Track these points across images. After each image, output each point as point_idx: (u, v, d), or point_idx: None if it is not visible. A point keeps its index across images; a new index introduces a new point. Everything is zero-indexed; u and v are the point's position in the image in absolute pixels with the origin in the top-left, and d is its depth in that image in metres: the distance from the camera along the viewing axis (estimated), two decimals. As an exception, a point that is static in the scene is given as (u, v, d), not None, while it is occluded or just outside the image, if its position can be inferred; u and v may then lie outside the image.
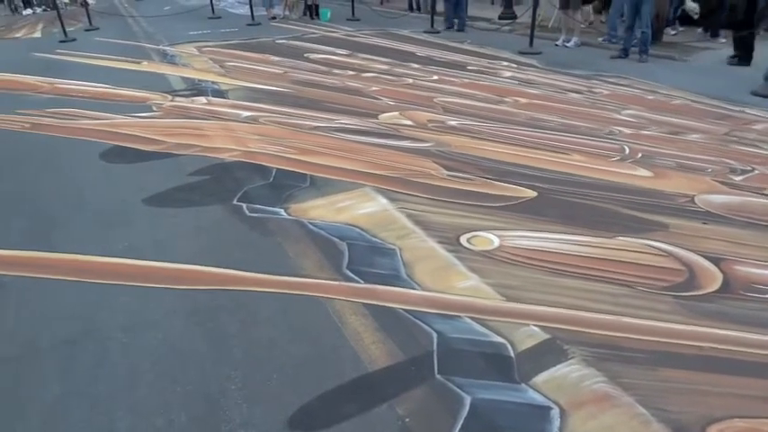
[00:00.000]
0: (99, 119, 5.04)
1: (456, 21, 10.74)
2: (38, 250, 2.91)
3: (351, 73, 6.99)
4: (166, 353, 2.13)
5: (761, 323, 2.28)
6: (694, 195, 3.47)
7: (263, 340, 2.19)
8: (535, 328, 2.23)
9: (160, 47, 9.05)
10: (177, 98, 5.77)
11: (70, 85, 6.42)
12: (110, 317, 2.35)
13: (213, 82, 6.49)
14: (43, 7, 16.03)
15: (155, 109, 5.35)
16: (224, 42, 9.39)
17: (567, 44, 8.87)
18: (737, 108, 5.46)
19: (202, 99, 5.72)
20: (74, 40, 9.99)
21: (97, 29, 11.32)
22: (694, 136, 4.67)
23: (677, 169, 3.92)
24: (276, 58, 7.92)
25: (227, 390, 1.94)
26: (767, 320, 2.30)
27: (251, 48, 8.83)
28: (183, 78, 6.74)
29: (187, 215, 3.26)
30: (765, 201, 3.46)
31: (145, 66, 7.59)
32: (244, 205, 3.34)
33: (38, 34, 11.56)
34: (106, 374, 2.04)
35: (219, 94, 5.96)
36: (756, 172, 3.89)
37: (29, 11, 15.66)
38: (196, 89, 6.17)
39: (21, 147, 4.50)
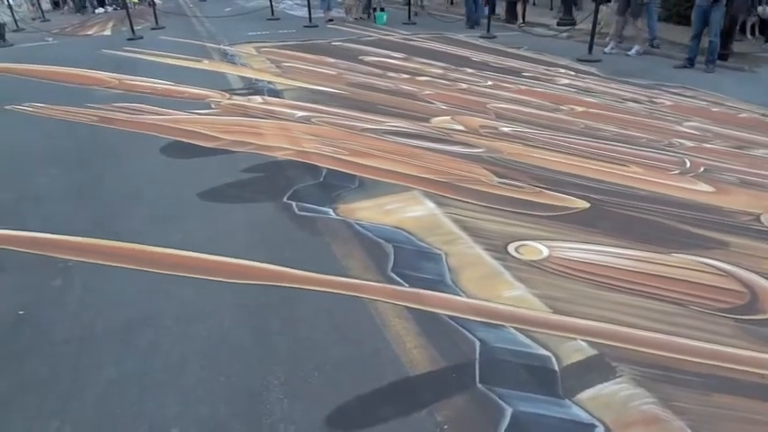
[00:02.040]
0: (161, 114, 5.25)
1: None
2: (101, 238, 3.06)
3: (405, 76, 7.00)
4: (215, 345, 2.20)
5: (829, 353, 2.14)
6: (760, 214, 3.29)
7: (306, 338, 2.23)
8: (582, 343, 2.17)
9: (221, 46, 9.35)
10: (235, 96, 5.95)
11: (136, 81, 6.72)
12: (164, 306, 2.44)
13: (269, 82, 6.65)
14: (114, 6, 16.85)
15: (213, 106, 5.53)
16: (281, 43, 9.60)
17: (629, 53, 8.58)
18: (812, 123, 5.15)
19: (258, 98, 5.86)
20: (141, 38, 10.44)
21: (163, 28, 11.80)
22: (762, 151, 4.43)
23: (742, 185, 3.73)
24: (331, 60, 8.03)
25: (270, 384, 1.98)
26: (836, 351, 2.16)
27: (307, 49, 8.98)
28: (241, 77, 6.94)
29: (239, 211, 3.36)
30: (839, 223, 3.25)
31: (206, 64, 7.85)
32: (293, 203, 3.41)
33: (108, 32, 12.15)
34: (158, 361, 2.12)
35: (275, 93, 6.09)
36: (830, 192, 3.65)
37: (101, 9, 16.49)
38: (253, 88, 6.34)
39: (89, 139, 4.74)
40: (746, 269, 2.70)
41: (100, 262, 2.82)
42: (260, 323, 2.32)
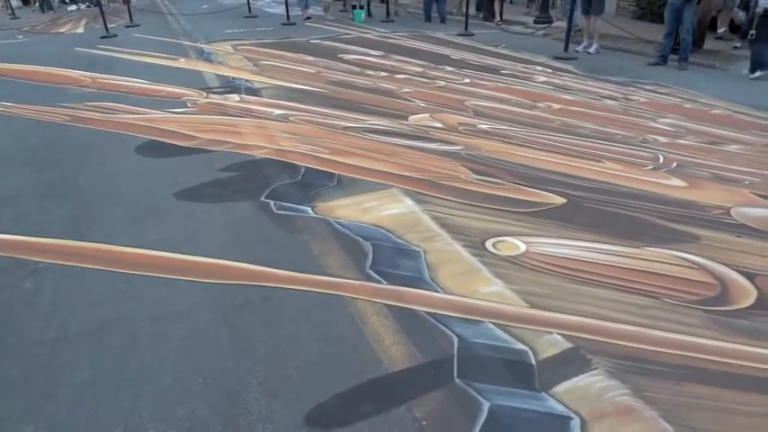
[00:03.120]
0: (137, 113, 5.17)
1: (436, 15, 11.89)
2: (75, 239, 3.01)
3: (384, 74, 7.00)
4: (191, 345, 2.18)
5: (796, 342, 2.20)
6: (730, 207, 3.37)
7: (284, 337, 2.22)
8: (558, 337, 2.20)
9: (197, 44, 9.24)
10: (212, 95, 5.89)
11: (110, 79, 6.61)
12: (139, 307, 2.41)
13: (247, 80, 6.59)
14: (87, 3, 16.53)
15: (190, 105, 5.47)
16: (259, 41, 9.52)
17: (589, 50, 8.70)
18: (781, 119, 5.28)
19: (236, 97, 5.81)
20: (115, 36, 10.27)
21: (138, 25, 11.61)
22: (733, 147, 4.53)
23: (713, 180, 3.82)
24: (310, 58, 8.00)
25: (248, 384, 1.97)
26: (803, 340, 2.22)
27: (285, 47, 8.93)
28: (218, 76, 6.87)
29: (217, 210, 3.33)
30: (806, 216, 3.34)
31: (182, 63, 7.76)
32: (271, 202, 3.39)
33: (81, 30, 11.92)
34: (133, 362, 2.09)
35: (253, 92, 6.05)
36: (798, 186, 3.75)
37: (74, 7, 16.17)
38: (230, 87, 6.28)
39: (62, 139, 4.65)
40: (718, 262, 2.76)
41: (73, 264, 2.77)
42: (237, 323, 2.30)
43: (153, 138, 4.53)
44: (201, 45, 9.17)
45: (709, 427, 1.78)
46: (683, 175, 3.87)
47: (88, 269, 2.72)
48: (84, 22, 13.30)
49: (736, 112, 5.56)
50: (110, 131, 4.73)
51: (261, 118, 5.05)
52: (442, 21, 11.93)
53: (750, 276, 2.64)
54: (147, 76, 6.67)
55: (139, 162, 4.10)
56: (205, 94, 5.90)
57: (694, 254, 2.82)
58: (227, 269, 2.69)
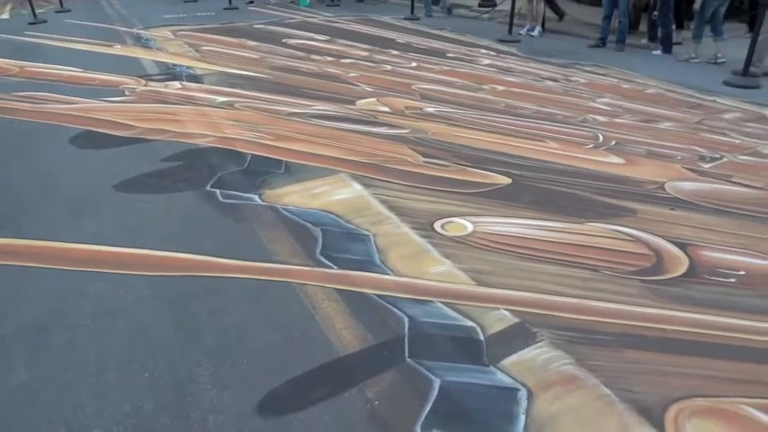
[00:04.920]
0: (70, 103, 4.92)
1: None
2: (6, 237, 2.85)
3: (329, 59, 6.92)
4: (135, 339, 2.12)
5: (724, 306, 2.34)
6: (664, 182, 3.53)
7: (233, 326, 2.19)
8: (505, 312, 2.26)
9: (134, 30, 8.86)
10: (151, 83, 5.67)
11: (40, 68, 6.26)
12: (78, 303, 2.32)
13: (188, 66, 6.38)
14: (12, -12, 15.54)
15: (127, 93, 5.25)
16: (199, 26, 9.22)
17: (532, 33, 8.89)
18: (710, 98, 5.55)
19: (176, 84, 5.62)
20: (44, 21, 9.71)
21: (68, 11, 11.01)
22: (666, 124, 4.74)
23: (648, 156, 3.99)
24: (253, 43, 7.81)
25: (197, 376, 1.93)
26: (730, 303, 2.36)
27: (227, 32, 8.68)
28: (156, 62, 6.61)
29: (159, 201, 3.22)
30: (733, 188, 3.54)
31: (117, 49, 7.42)
32: (217, 191, 3.31)
33: (5, 15, 11.19)
34: (74, 361, 2.02)
35: (194, 78, 5.86)
36: (725, 159, 3.96)
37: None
38: (170, 74, 6.06)
39: (-13, 131, 4.38)
40: (653, 234, 2.89)
41: (6, 262, 2.63)
42: (183, 314, 2.24)
43: (88, 128, 4.33)
44: (139, 31, 8.80)
45: (644, 390, 1.87)
46: (621, 153, 4.03)
47: (23, 267, 2.59)
48: (8, 7, 12.48)
49: (669, 90, 5.81)
50: (41, 122, 4.49)
51: (203, 105, 4.91)
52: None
53: (682, 246, 2.78)
54: (80, 64, 6.35)
55: (75, 154, 3.92)
56: (144, 82, 5.67)
57: (631, 227, 2.94)
58: (172, 261, 2.61)
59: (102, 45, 7.60)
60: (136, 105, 4.94)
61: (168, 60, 6.72)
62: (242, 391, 1.87)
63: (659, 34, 7.60)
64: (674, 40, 7.67)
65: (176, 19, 9.99)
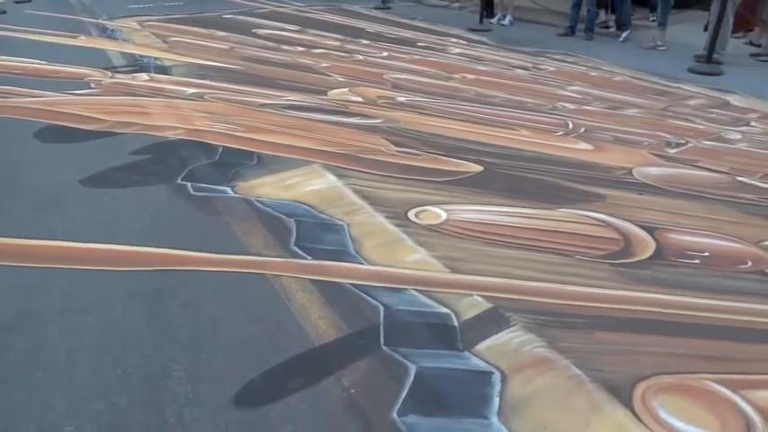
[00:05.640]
0: (33, 96, 4.78)
1: None
2: (-33, 235, 2.77)
3: (300, 49, 6.86)
4: (107, 336, 2.09)
5: (689, 286, 2.42)
6: (632, 168, 3.61)
7: (207, 320, 2.17)
8: (479, 298, 2.29)
9: (99, 21, 8.62)
10: (117, 75, 5.53)
11: (1, 60, 6.05)
12: (47, 301, 2.27)
13: (156, 58, 6.24)
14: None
15: (93, 86, 5.12)
16: (167, 16, 9.02)
17: (502, 22, 8.95)
18: (675, 84, 5.68)
19: (144, 75, 5.50)
20: (3, 12, 9.36)
21: (29, 1, 10.64)
22: (634, 111, 4.83)
23: (616, 143, 4.07)
24: (223, 34, 7.69)
25: (171, 370, 1.92)
26: (695, 284, 2.44)
27: (196, 22, 8.51)
28: (123, 54, 6.46)
29: (128, 196, 3.16)
30: (698, 172, 3.64)
31: (82, 41, 7.22)
32: (188, 184, 3.27)
33: (-37, 7, 10.78)
34: (43, 359, 1.98)
35: (162, 70, 5.74)
36: (690, 145, 4.07)
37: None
38: (138, 65, 5.93)
39: (-54, 127, 4.23)
40: (621, 218, 2.96)
41: (-32, 260, 2.56)
42: (156, 309, 2.22)
43: (53, 122, 4.21)
44: (104, 21, 8.57)
45: (613, 369, 1.92)
46: (590, 140, 4.10)
47: (-13, 265, 2.52)
48: (-36, -3, 12.02)
49: (635, 78, 5.92)
50: (4, 117, 4.35)
51: (172, 97, 4.82)
52: None
53: (650, 230, 2.85)
54: (42, 56, 6.15)
55: (40, 148, 3.81)
56: (110, 74, 5.54)
57: (601, 212, 3.00)
58: (143, 256, 2.57)
59: (65, 36, 7.38)
60: (102, 98, 4.83)
61: (135, 52, 6.57)
62: (217, 383, 1.87)
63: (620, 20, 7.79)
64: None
65: (142, 9, 9.75)
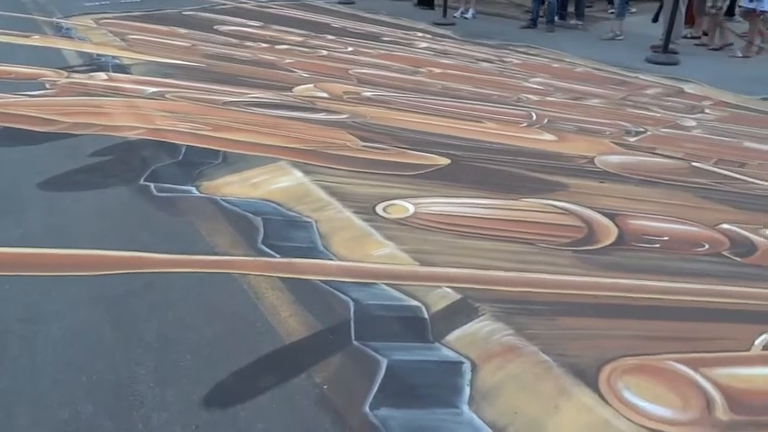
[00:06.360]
0: (-16, 99, 4.60)
1: None
2: None
3: (264, 45, 6.78)
4: (70, 343, 2.03)
5: (650, 270, 2.49)
6: (594, 157, 3.69)
7: (175, 322, 2.14)
8: (448, 290, 2.31)
9: (53, 19, 8.34)
10: (74, 74, 5.37)
11: (-52, 62, 5.80)
12: (6, 309, 2.19)
13: (114, 56, 6.08)
14: None
15: (48, 86, 4.95)
16: (125, 14, 8.79)
17: (466, 16, 9.03)
18: (633, 74, 5.82)
19: (102, 75, 5.35)
20: (-50, 12, 8.99)
21: (-22, 0, 10.24)
22: (594, 101, 4.94)
23: (579, 133, 4.15)
24: (183, 31, 7.54)
25: (138, 374, 1.88)
26: (656, 268, 2.52)
27: (155, 20, 8.33)
28: (79, 53, 6.27)
29: (89, 198, 3.08)
30: (656, 159, 3.74)
31: (36, 40, 6.98)
32: (151, 185, 3.20)
33: None
34: (5, 369, 1.91)
35: (121, 69, 5.60)
36: (649, 133, 4.18)
37: None
38: (95, 64, 5.76)
39: None
40: (584, 206, 3.02)
41: None
42: (121, 313, 2.17)
43: (7, 125, 4.06)
44: (58, 20, 8.29)
45: (579, 353, 1.97)
46: (553, 130, 4.17)
47: (-61, 275, 2.42)
48: None
49: (596, 69, 6.05)
50: (-48, 121, 4.18)
51: (133, 97, 4.71)
52: None
53: (611, 217, 2.92)
54: (-7, 57, 5.93)
55: (-7, 153, 3.68)
56: (66, 74, 5.37)
57: (564, 201, 3.07)
58: (106, 259, 2.51)
59: (18, 36, 7.11)
60: (58, 99, 4.68)
61: (92, 51, 6.39)
62: (186, 386, 1.84)
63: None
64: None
65: (99, 6, 9.48)
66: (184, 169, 3.39)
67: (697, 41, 7.18)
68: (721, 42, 6.95)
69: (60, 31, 7.53)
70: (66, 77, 5.26)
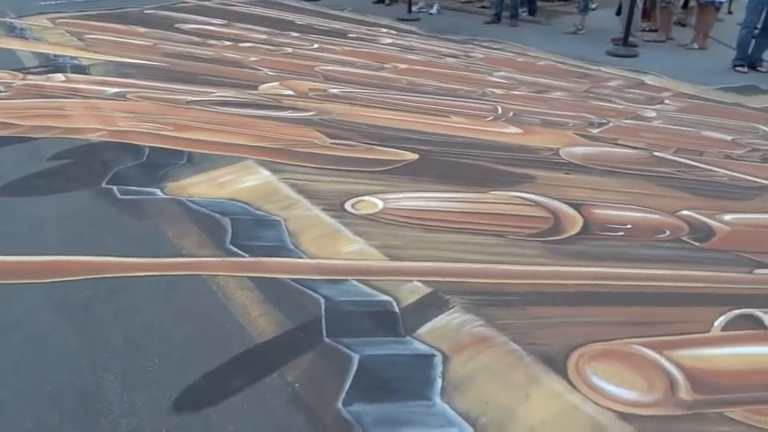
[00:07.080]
0: (-67, 103, 4.42)
1: None
2: None
3: (227, 44, 6.68)
4: (32, 351, 1.97)
5: (615, 258, 2.56)
6: (559, 148, 3.76)
7: (142, 326, 2.09)
8: (418, 284, 2.32)
9: (6, 19, 8.05)
10: (29, 76, 5.19)
11: None
12: (-38, 320, 2.12)
13: (72, 57, 5.90)
14: None
15: (2, 89, 4.78)
16: (82, 13, 8.53)
17: (431, 11, 9.08)
18: (595, 67, 5.94)
19: (60, 76, 5.19)
20: None
21: (-76, 0, 9.80)
22: (558, 94, 5.02)
23: (543, 125, 4.22)
24: (144, 30, 7.36)
25: (105, 381, 1.84)
26: (620, 255, 2.58)
27: (115, 18, 8.11)
28: (35, 54, 6.06)
29: (49, 203, 2.99)
30: (619, 150, 3.83)
31: (-12, 41, 6.73)
32: (114, 188, 3.13)
33: None
34: (-38, 382, 1.85)
35: (80, 69, 5.44)
36: (611, 124, 4.28)
37: None
38: (52, 65, 5.58)
39: None
40: (550, 197, 3.08)
41: None
42: (86, 319, 2.12)
43: (-41, 129, 3.92)
44: (11, 20, 8.01)
45: (548, 341, 2.01)
46: (519, 123, 4.23)
47: None
48: None
49: (559, 62, 6.15)
50: None
51: (92, 98, 4.58)
52: None
53: (577, 207, 2.98)
54: (-58, 59, 5.70)
55: (-55, 159, 3.54)
56: (21, 76, 5.19)
57: (531, 192, 3.11)
58: (68, 265, 2.45)
59: (-33, 37, 6.85)
60: (14, 101, 4.52)
61: (48, 51, 6.18)
62: (156, 390, 1.81)
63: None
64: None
65: (54, 6, 9.18)
66: (148, 171, 3.32)
67: (648, 38, 7.35)
68: (665, 35, 7.16)
69: (14, 32, 7.27)
70: (22, 79, 5.09)
